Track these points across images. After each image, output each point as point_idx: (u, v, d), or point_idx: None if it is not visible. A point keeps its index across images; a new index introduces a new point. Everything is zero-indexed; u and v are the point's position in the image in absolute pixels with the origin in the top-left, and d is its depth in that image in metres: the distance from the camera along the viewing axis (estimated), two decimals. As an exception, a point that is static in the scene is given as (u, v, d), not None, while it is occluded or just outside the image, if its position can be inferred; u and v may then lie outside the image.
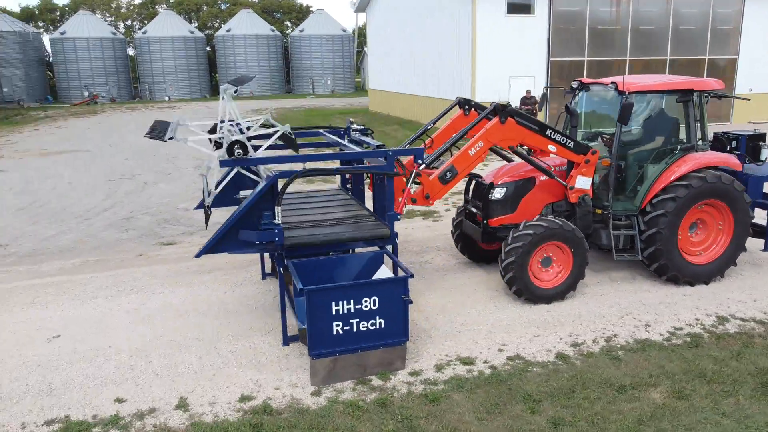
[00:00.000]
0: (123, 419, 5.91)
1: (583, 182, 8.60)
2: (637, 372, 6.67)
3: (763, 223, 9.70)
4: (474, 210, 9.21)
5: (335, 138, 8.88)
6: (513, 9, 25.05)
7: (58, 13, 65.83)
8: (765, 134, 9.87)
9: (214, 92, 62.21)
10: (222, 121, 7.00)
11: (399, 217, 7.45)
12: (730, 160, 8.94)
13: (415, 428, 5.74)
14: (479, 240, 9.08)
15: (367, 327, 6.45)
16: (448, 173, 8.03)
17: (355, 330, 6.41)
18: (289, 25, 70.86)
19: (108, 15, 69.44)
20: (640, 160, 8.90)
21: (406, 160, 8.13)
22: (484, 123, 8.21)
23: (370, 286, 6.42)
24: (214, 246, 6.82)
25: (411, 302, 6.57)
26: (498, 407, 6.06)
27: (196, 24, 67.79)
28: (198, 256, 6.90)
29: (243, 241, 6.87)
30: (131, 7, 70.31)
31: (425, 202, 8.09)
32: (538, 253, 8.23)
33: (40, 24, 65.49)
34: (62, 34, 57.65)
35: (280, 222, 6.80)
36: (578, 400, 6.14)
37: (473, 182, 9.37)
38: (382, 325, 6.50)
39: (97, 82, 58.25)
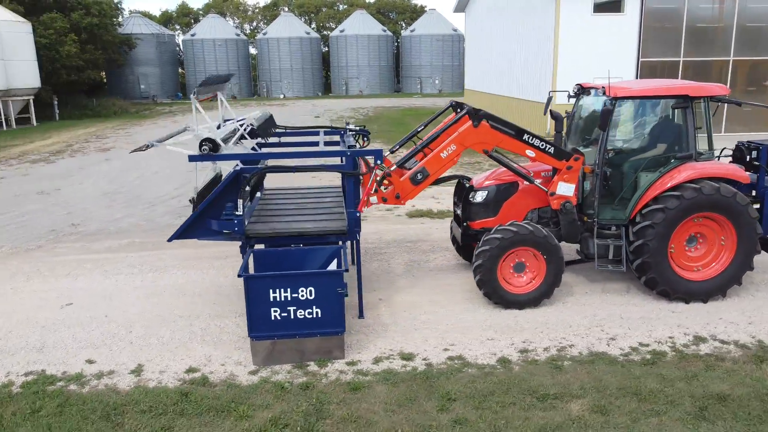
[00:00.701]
0: (84, 377, 6.84)
1: (564, 188, 8.44)
2: (570, 383, 6.57)
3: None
4: (459, 212, 9.32)
5: (324, 138, 9.40)
6: (600, 8, 24.06)
7: (192, 17, 71.52)
8: (790, 147, 9.05)
9: (326, 91, 64.81)
10: (223, 123, 7.72)
11: (358, 214, 7.80)
12: (734, 171, 8.35)
13: (323, 412, 6.13)
14: (461, 242, 9.19)
15: (304, 315, 6.91)
16: (419, 174, 8.25)
17: (292, 317, 6.90)
18: (404, 25, 71.95)
19: (236, 18, 74.42)
20: (634, 168, 8.57)
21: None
22: (459, 126, 8.32)
23: (306, 277, 6.87)
24: (184, 232, 7.59)
25: (347, 295, 6.94)
26: (410, 402, 6.28)
27: (314, 25, 70.81)
28: (170, 240, 7.72)
29: (210, 229, 7.58)
30: (257, 10, 74.91)
31: (396, 202, 8.36)
32: (508, 258, 8.23)
33: (177, 27, 71.51)
34: (192, 35, 62.72)
35: (241, 213, 7.44)
36: (491, 404, 6.20)
37: (459, 184, 9.47)
38: (319, 315, 6.93)
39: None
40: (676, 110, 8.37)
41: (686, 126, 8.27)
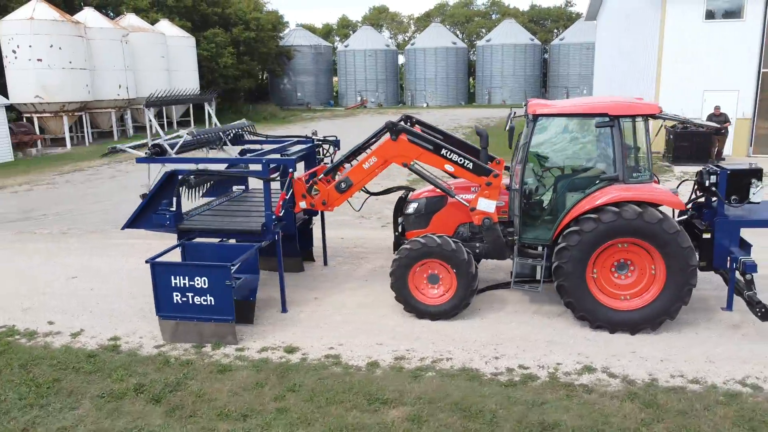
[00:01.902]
0: (36, 334, 8.43)
1: (485, 205, 8.43)
2: (410, 392, 6.74)
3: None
4: (400, 222, 9.63)
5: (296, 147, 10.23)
6: (714, 14, 21.95)
7: (351, 29, 75.87)
8: (759, 170, 8.12)
9: (470, 100, 65.12)
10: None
11: (274, 217, 8.54)
12: (662, 196, 7.73)
13: (181, 385, 7.01)
14: (394, 250, 9.50)
15: (200, 302, 7.86)
16: (343, 183, 8.79)
17: (191, 302, 7.88)
18: (557, 33, 69.89)
19: (391, 29, 77.50)
20: (560, 187, 8.30)
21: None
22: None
23: (199, 268, 7.81)
24: (132, 223, 8.90)
25: (234, 287, 7.76)
26: (256, 388, 6.92)
27: (463, 35, 71.46)
28: (122, 228, 9.08)
29: (152, 221, 8.82)
30: (410, 21, 77.33)
31: (323, 208, 8.97)
32: (419, 269, 8.44)
33: (336, 38, 76.27)
34: (346, 46, 66.57)
35: (174, 209, 8.58)
36: (321, 400, 6.62)
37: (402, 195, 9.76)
38: (213, 303, 7.83)
39: (369, 89, 65.80)
40: (601, 129, 7.96)
41: (613, 146, 7.85)
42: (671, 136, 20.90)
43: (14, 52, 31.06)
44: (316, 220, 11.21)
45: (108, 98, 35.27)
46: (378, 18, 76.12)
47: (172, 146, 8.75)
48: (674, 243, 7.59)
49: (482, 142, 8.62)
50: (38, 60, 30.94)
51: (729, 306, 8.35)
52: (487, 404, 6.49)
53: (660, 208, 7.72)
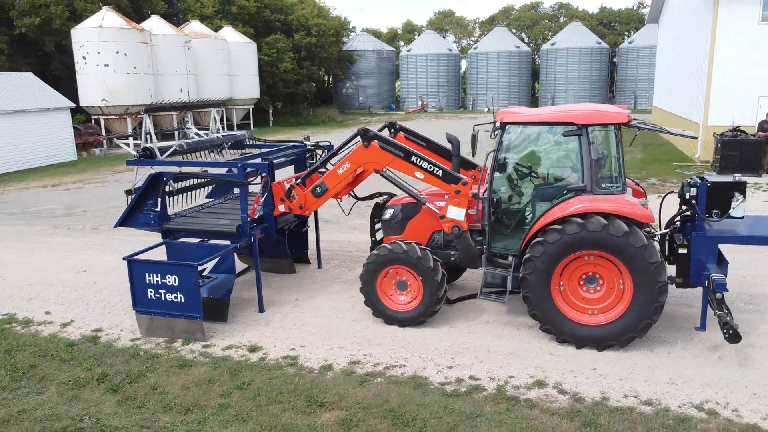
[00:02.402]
0: (31, 323, 9.07)
1: (455, 213, 8.37)
2: (350, 396, 6.81)
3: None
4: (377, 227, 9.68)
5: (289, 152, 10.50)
6: (772, 15, 20.68)
7: (415, 33, 76.09)
8: (742, 184, 7.66)
9: (532, 104, 63.92)
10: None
11: (249, 220, 8.80)
12: (630, 208, 7.42)
13: (141, 377, 7.38)
14: None
15: (171, 298, 8.22)
16: (318, 188, 8.95)
17: (163, 299, 8.26)
18: (627, 36, 67.46)
19: (455, 33, 77.16)
20: (529, 197, 8.14)
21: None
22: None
23: (169, 266, 8.18)
24: (123, 221, 9.39)
25: (200, 285, 8.07)
26: (207, 384, 7.19)
27: (529, 38, 70.20)
28: (114, 227, 9.59)
29: (139, 220, 9.28)
30: (476, 25, 76.69)
31: (300, 212, 9.16)
32: (386, 275, 8.49)
33: (401, 42, 76.68)
34: (408, 51, 66.84)
35: (158, 210, 9.01)
36: (263, 399, 6.80)
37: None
38: (182, 300, 8.18)
39: (430, 93, 65.78)
40: (570, 138, 7.73)
41: (580, 155, 7.62)
42: (719, 145, 19.83)
43: (84, 58, 33.17)
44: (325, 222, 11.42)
45: (170, 101, 36.98)
46: (443, 22, 75.98)
47: (164, 152, 9.21)
48: (641, 257, 7.29)
49: (453, 150, 8.55)
50: (105, 65, 32.90)
51: (702, 326, 7.92)
52: (422, 413, 6.47)
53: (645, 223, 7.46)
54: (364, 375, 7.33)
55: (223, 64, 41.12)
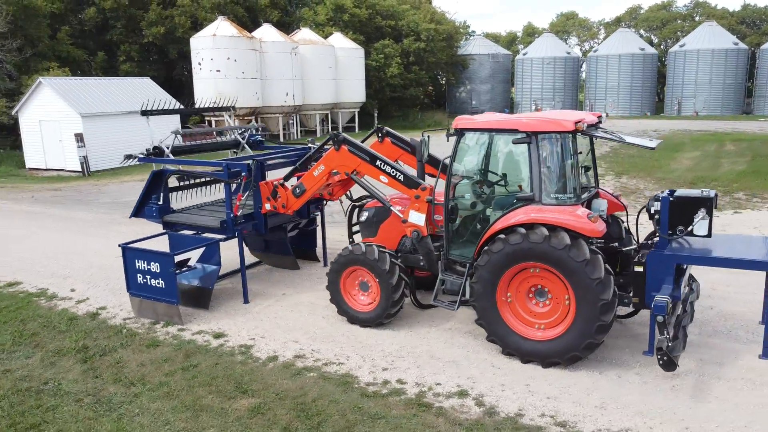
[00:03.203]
0: (55, 298, 10.35)
1: (415, 217, 8.41)
2: (275, 387, 7.16)
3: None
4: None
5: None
6: None
7: (537, 35, 74.12)
8: (708, 199, 7.00)
9: (656, 111, 59.91)
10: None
11: (232, 216, 9.40)
12: (576, 221, 7.03)
13: (110, 352, 8.24)
14: None
15: (155, 284, 9.04)
16: (297, 189, 9.37)
17: (149, 284, 9.11)
18: (774, 35, 61.11)
19: (579, 36, 74.14)
20: (483, 205, 7.99)
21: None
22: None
23: (153, 255, 8.98)
24: (135, 212, 10.40)
25: (176, 274, 8.81)
26: (162, 363, 7.87)
27: (658, 40, 65.83)
28: (130, 217, 10.62)
29: (145, 212, 10.25)
30: (600, 27, 73.14)
31: (283, 211, 9.62)
32: (349, 275, 8.71)
33: (520, 46, 75.04)
34: (524, 54, 65.35)
35: (159, 203, 9.91)
36: (199, 381, 7.36)
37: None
38: (163, 286, 8.97)
39: (545, 98, 63.86)
40: (521, 146, 7.49)
41: (530, 163, 7.37)
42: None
43: (199, 64, 36.19)
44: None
45: (276, 104, 39.24)
46: (565, 25, 73.33)
47: (174, 151, 10.12)
48: (582, 273, 6.94)
49: (417, 155, 8.58)
50: (217, 71, 35.67)
51: (650, 350, 7.30)
52: (330, 409, 6.68)
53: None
54: (301, 369, 7.64)
55: (330, 69, 42.79)
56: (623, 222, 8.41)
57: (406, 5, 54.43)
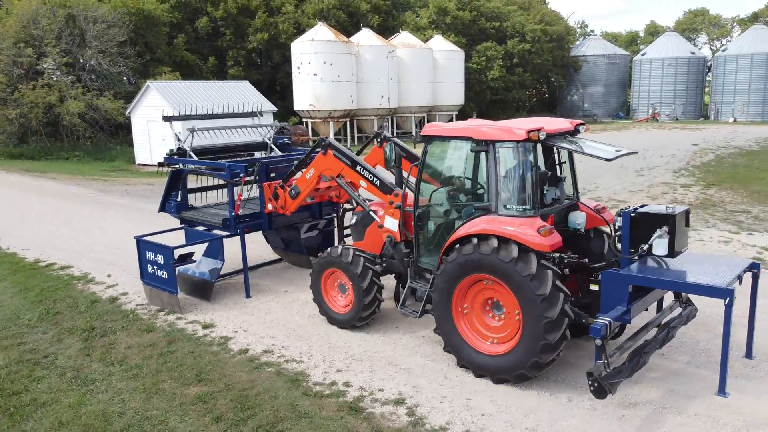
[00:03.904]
0: (92, 280, 11.48)
1: (390, 223, 8.44)
2: (229, 378, 7.54)
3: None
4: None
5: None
6: None
7: (660, 35, 69.59)
8: (669, 216, 6.43)
9: (794, 116, 54.05)
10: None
11: (233, 213, 9.91)
12: (523, 234, 6.72)
13: (111, 333, 9.06)
14: None
15: (160, 274, 9.80)
16: (293, 191, 9.71)
17: (156, 274, 9.88)
18: None
19: (709, 35, 68.53)
20: (447, 213, 7.86)
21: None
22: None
23: (157, 247, 9.72)
24: (160, 208, 11.26)
25: (176, 266, 9.48)
26: (149, 347, 8.53)
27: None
28: (158, 212, 11.49)
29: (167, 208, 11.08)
30: (734, 24, 67.13)
31: (282, 211, 10.01)
32: (328, 277, 8.92)
33: (641, 46, 70.80)
34: (643, 55, 61.64)
35: (177, 200, 10.70)
36: (168, 367, 7.90)
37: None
38: (165, 276, 9.69)
39: (665, 101, 59.83)
40: (481, 155, 7.28)
41: (487, 173, 7.17)
42: None
43: (298, 68, 37.87)
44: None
45: (371, 107, 40.10)
46: (693, 22, 68.11)
47: (194, 151, 10.88)
48: (527, 288, 6.66)
49: (386, 163, 8.57)
50: (314, 74, 37.14)
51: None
52: (267, 403, 6.94)
53: None
54: (262, 363, 7.97)
55: (427, 72, 43.00)
56: (609, 236, 7.90)
57: (513, 6, 53.34)
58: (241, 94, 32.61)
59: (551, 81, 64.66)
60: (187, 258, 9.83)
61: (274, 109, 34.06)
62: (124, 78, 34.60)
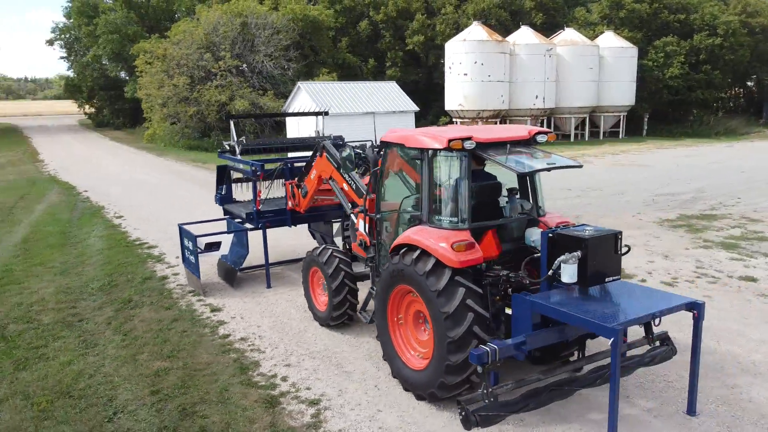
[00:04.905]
0: (162, 260, 13.01)
1: (362, 227, 8.47)
2: (195, 358, 8.23)
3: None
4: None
5: None
6: None
7: None
8: (582, 240, 5.67)
9: None
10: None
11: (254, 208, 10.59)
12: (436, 246, 6.36)
13: (139, 305, 10.32)
14: None
15: (191, 260, 10.89)
16: (302, 189, 10.14)
17: (189, 258, 10.99)
18: None
19: None
20: (397, 220, 7.68)
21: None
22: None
23: (188, 234, 10.77)
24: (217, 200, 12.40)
25: (200, 253, 10.45)
26: (156, 321, 9.60)
27: None
28: (216, 203, 12.61)
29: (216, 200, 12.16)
30: None
31: (298, 209, 10.47)
32: (314, 275, 9.20)
33: None
34: None
35: (222, 193, 11.74)
36: (157, 335, 8.88)
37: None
38: (193, 261, 10.75)
39: None
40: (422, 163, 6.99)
41: (421, 181, 6.91)
42: None
43: (450, 68, 38.08)
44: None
45: (524, 107, 38.91)
46: None
47: (245, 150, 11.81)
48: (434, 303, 6.37)
49: (371, 166, 8.54)
50: (464, 74, 37.08)
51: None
52: (200, 386, 7.45)
53: None
54: (230, 349, 8.53)
55: (590, 70, 40.49)
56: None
57: (707, -5, 47.69)
58: (387, 94, 33.74)
59: (760, 80, 56.65)
60: (212, 246, 10.77)
61: (416, 108, 34.64)
62: (288, 78, 37.63)
